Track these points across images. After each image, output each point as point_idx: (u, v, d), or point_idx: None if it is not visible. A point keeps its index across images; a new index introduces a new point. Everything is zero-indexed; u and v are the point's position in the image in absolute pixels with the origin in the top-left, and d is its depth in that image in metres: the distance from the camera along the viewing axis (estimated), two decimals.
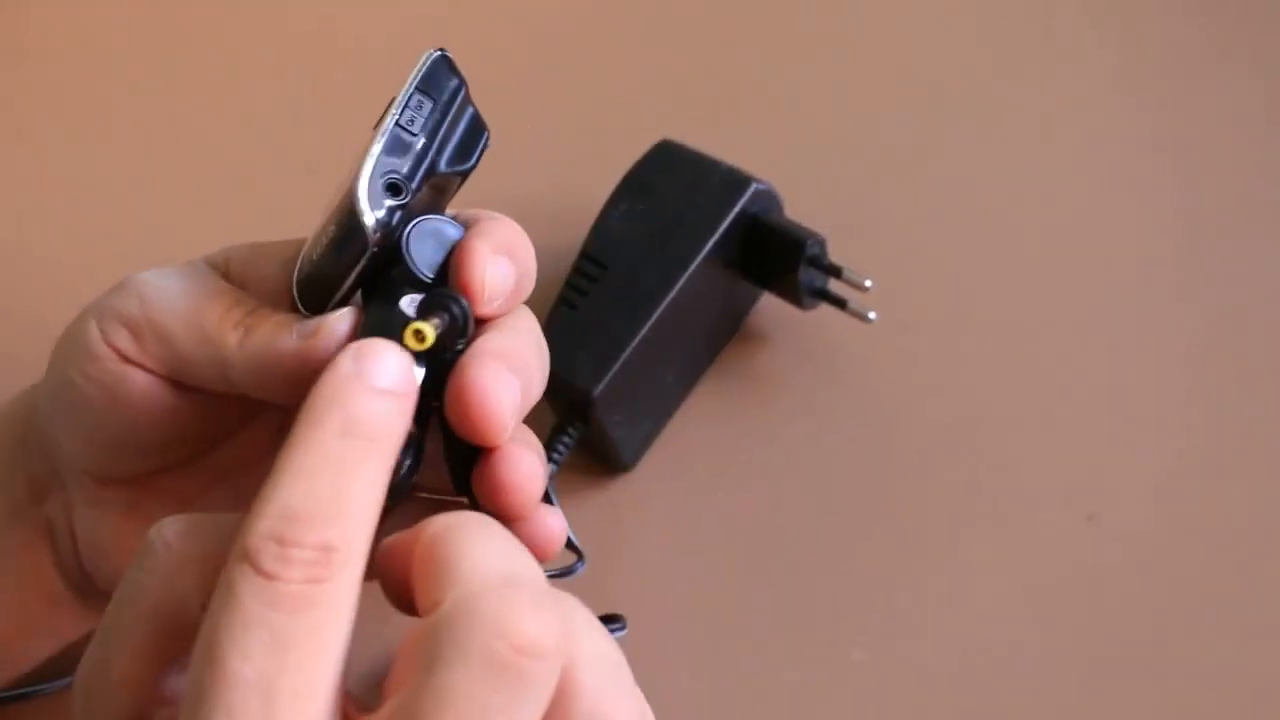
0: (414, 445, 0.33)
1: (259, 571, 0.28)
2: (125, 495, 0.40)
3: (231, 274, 0.38)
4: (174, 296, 0.37)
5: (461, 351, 0.34)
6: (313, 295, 0.36)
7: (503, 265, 0.35)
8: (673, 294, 0.46)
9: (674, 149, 0.49)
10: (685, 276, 0.46)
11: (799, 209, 0.49)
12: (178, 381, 0.37)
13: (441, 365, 0.33)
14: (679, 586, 0.47)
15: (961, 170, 0.54)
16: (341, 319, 0.35)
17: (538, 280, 0.48)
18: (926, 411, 0.49)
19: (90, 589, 0.41)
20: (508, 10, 0.61)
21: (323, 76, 0.60)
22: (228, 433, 0.40)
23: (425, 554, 0.29)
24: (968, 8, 0.59)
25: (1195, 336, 0.50)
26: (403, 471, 0.33)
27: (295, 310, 0.36)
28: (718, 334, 0.51)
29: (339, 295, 0.35)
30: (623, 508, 0.48)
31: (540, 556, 0.35)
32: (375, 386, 0.31)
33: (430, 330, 0.32)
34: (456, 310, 0.33)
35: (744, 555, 0.47)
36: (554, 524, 0.36)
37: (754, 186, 0.47)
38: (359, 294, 0.35)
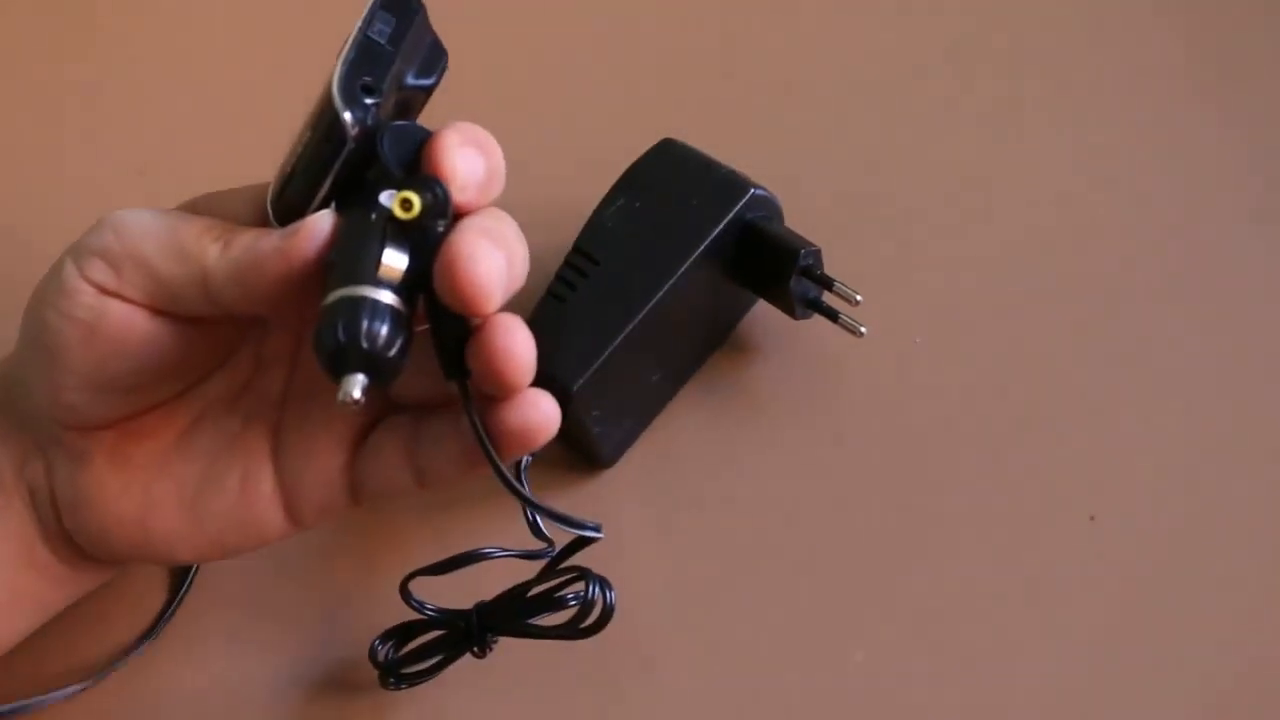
0: (406, 325, 0.34)
1: None
2: (106, 442, 0.40)
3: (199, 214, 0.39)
4: (150, 224, 0.37)
5: (444, 233, 0.35)
6: (289, 210, 0.37)
7: (472, 155, 0.36)
8: (661, 294, 0.45)
9: (676, 148, 0.48)
10: (675, 277, 0.45)
11: (802, 220, 0.48)
12: (157, 310, 0.37)
13: (425, 246, 0.35)
14: (663, 585, 0.46)
15: (967, 190, 0.54)
16: (322, 218, 0.36)
17: (532, 274, 0.48)
18: (922, 414, 0.49)
19: (74, 554, 0.42)
20: (516, 8, 0.61)
21: (322, 74, 0.60)
22: (207, 367, 0.41)
23: None
24: (977, 29, 0.59)
25: (1195, 337, 0.50)
26: (394, 351, 0.34)
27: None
28: (708, 337, 0.50)
29: (317, 200, 0.36)
30: (602, 504, 0.48)
31: (535, 439, 0.37)
32: None
33: (416, 198, 0.34)
34: (438, 189, 0.35)
35: (725, 557, 0.47)
36: (547, 405, 0.37)
37: (752, 192, 0.47)
38: (334, 205, 0.36)
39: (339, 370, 0.34)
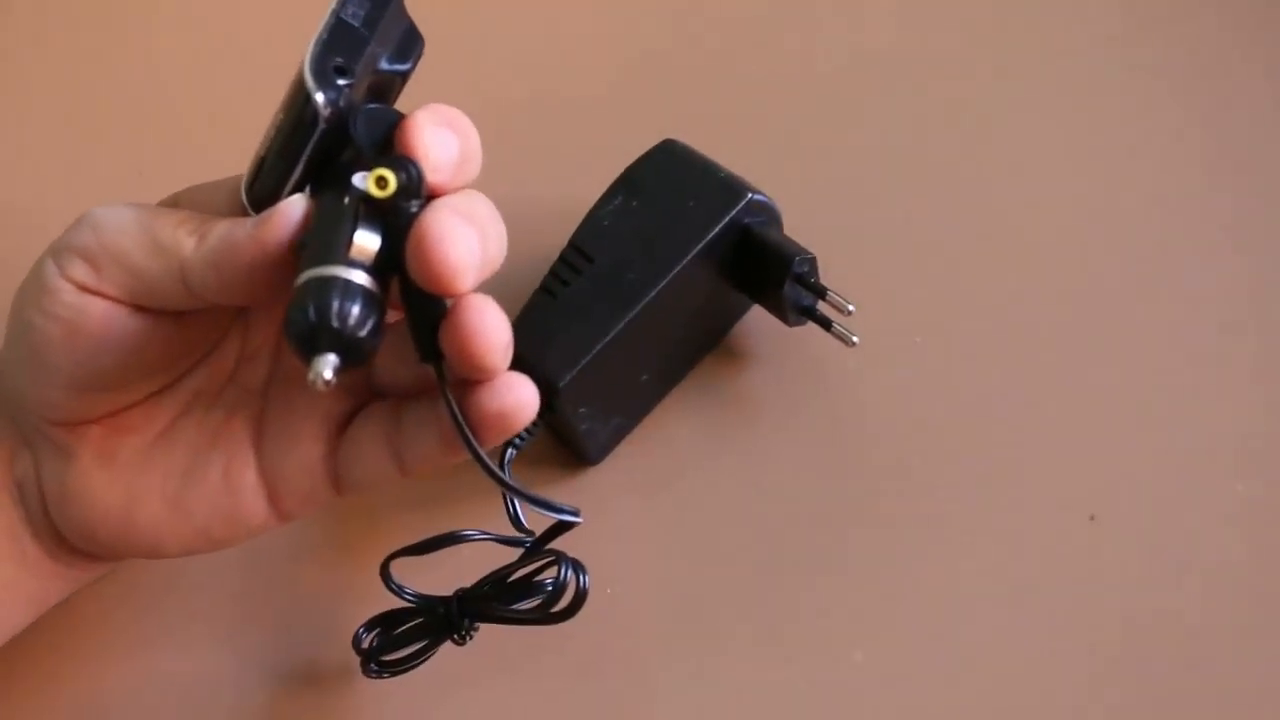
0: (378, 305, 0.34)
1: None
2: (92, 437, 0.40)
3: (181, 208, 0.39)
4: (127, 220, 0.37)
5: (418, 212, 0.35)
6: (263, 196, 0.37)
7: (446, 135, 0.36)
8: (653, 294, 0.45)
9: (676, 149, 0.48)
10: (669, 277, 0.45)
11: (804, 226, 0.48)
12: (138, 306, 0.37)
13: (398, 227, 0.35)
14: (648, 585, 0.46)
15: (968, 193, 0.54)
16: (295, 202, 0.36)
17: (528, 272, 0.48)
18: (920, 413, 0.49)
19: (63, 550, 0.42)
20: (517, 7, 0.62)
21: None
22: (190, 361, 0.41)
23: None
24: (978, 33, 0.59)
25: (1194, 337, 0.50)
26: (366, 331, 0.34)
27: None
28: (701, 340, 0.50)
29: (290, 185, 0.36)
30: (586, 501, 0.47)
31: (512, 423, 0.36)
32: None
33: (391, 175, 0.34)
34: (411, 168, 0.35)
35: (717, 557, 0.47)
36: (523, 388, 0.36)
37: (750, 196, 0.46)
38: (308, 190, 0.36)
39: (309, 351, 0.33)
